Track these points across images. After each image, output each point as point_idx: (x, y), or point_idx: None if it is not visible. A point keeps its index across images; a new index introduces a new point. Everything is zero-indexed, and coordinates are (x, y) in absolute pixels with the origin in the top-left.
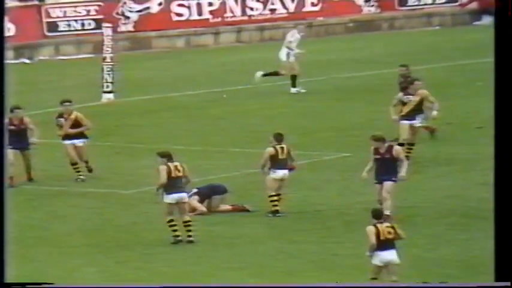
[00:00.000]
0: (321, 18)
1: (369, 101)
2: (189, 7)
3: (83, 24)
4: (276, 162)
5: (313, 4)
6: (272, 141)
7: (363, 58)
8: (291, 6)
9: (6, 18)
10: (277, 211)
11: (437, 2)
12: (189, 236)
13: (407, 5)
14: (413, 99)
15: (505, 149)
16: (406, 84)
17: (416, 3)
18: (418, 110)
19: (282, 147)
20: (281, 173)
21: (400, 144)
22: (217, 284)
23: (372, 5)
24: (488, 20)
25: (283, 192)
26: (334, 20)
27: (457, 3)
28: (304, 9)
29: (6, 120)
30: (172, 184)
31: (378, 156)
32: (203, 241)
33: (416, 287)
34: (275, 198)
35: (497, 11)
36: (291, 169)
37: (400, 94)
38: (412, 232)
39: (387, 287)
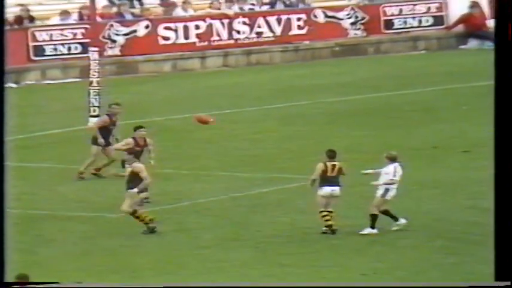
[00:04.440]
0: (307, 42)
1: (354, 125)
2: (175, 30)
3: (69, 48)
4: (324, 178)
5: (299, 27)
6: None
7: (348, 82)
8: (278, 30)
9: None
10: (331, 225)
11: (423, 25)
12: None
13: (393, 28)
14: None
15: (504, 157)
16: None
17: (402, 27)
18: None
19: (334, 165)
20: (328, 189)
21: None
22: (218, 284)
23: (358, 29)
24: (474, 44)
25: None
26: (321, 44)
27: (442, 27)
28: (291, 33)
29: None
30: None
31: None
32: (191, 265)
33: (416, 287)
34: (325, 213)
35: (497, 35)
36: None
37: None
38: (399, 255)
39: (387, 286)
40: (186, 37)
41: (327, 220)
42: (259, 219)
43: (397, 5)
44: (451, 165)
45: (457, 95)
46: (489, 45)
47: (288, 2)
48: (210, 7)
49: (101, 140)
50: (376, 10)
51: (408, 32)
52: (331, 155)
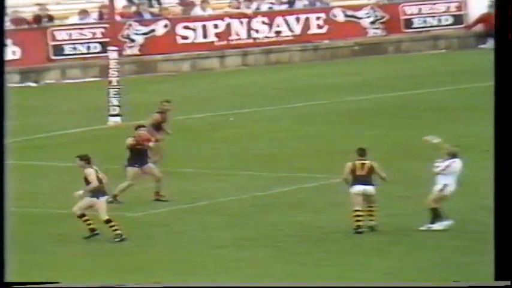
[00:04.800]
0: (326, 41)
1: (373, 124)
2: (194, 29)
3: (88, 48)
4: (355, 177)
5: (318, 26)
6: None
7: (368, 81)
8: (297, 29)
9: (10, 41)
10: (358, 226)
11: (442, 24)
12: None
13: (413, 27)
14: None
15: (503, 157)
16: None
17: (422, 26)
18: None
19: (363, 163)
20: (360, 188)
21: None
22: (217, 284)
23: (378, 28)
24: (493, 43)
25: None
26: (340, 43)
27: (462, 26)
28: (310, 32)
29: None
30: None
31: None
32: (209, 264)
33: (416, 287)
34: (357, 213)
35: (497, 33)
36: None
37: None
38: (420, 255)
39: (387, 287)
40: (205, 36)
41: (356, 221)
42: (277, 218)
43: (417, 4)
44: (469, 165)
45: (476, 94)
46: None
47: (307, 2)
48: (229, 6)
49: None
50: (395, 9)
51: (428, 31)
52: (361, 153)
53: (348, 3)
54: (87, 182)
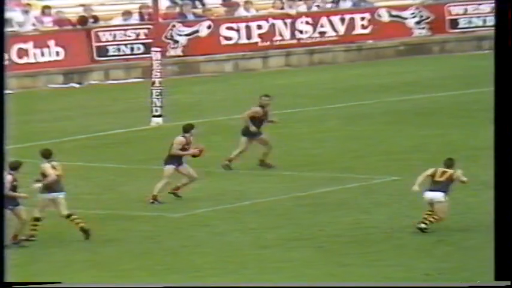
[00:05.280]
0: (370, 42)
1: (419, 125)
2: (237, 30)
3: (132, 49)
4: (431, 182)
5: (363, 27)
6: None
7: (413, 81)
8: (341, 29)
9: (53, 42)
10: (422, 228)
11: (487, 24)
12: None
13: (459, 27)
14: None
15: (503, 157)
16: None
17: (467, 26)
18: None
19: (445, 171)
20: (430, 195)
21: None
22: (218, 284)
23: (423, 28)
24: None
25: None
26: (385, 43)
27: None
28: (354, 32)
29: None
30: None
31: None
32: (252, 264)
33: (416, 287)
34: (425, 215)
35: (496, 40)
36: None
37: None
38: (463, 256)
39: (387, 287)
40: (248, 37)
41: (424, 218)
42: (321, 218)
43: (462, 5)
44: None
45: None
46: None
47: (351, 2)
48: (273, 7)
49: (253, 128)
50: (440, 9)
51: (473, 31)
52: (448, 163)
53: (393, 3)
54: (44, 176)
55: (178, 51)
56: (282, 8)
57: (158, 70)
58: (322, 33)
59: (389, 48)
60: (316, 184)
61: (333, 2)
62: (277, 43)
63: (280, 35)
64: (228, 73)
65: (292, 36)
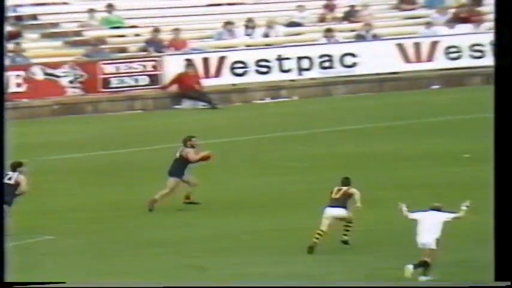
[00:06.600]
0: (26, 100)
1: (81, 182)
2: None
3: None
4: (330, 200)
5: (18, 85)
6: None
7: (68, 141)
8: None
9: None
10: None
11: (140, 84)
12: None
13: (110, 87)
14: None
15: (504, 157)
16: None
17: (119, 86)
18: None
19: (340, 189)
20: (331, 211)
21: None
22: (218, 284)
23: (76, 87)
24: (188, 104)
25: None
26: (39, 102)
27: (158, 86)
28: (9, 91)
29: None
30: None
31: None
32: None
33: (416, 287)
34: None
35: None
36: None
37: None
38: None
39: (387, 287)
40: None
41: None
42: None
43: (114, 63)
44: None
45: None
46: (203, 105)
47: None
48: None
49: None
50: (93, 68)
51: (124, 91)
52: (344, 182)
53: (48, 60)
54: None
55: None
56: None
57: None
58: None
59: (43, 107)
60: None
61: None
62: None
63: None
64: None
65: None
